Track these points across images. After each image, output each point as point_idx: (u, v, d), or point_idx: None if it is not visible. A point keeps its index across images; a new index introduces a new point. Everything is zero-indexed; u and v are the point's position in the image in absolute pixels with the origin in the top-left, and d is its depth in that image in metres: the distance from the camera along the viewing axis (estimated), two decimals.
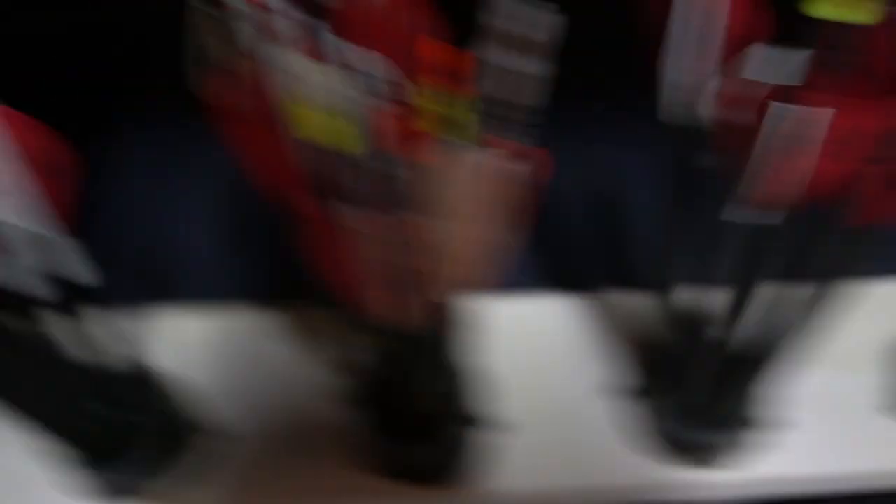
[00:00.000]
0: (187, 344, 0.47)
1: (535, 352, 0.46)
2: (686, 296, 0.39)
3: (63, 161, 0.26)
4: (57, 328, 0.32)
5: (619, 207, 0.55)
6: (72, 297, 0.30)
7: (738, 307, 0.33)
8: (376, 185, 0.28)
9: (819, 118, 0.25)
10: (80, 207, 0.28)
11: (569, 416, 0.44)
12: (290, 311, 0.49)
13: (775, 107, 0.25)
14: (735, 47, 0.27)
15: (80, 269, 0.30)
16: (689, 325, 0.40)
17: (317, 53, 0.25)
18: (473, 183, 0.26)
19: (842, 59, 0.25)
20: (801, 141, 0.26)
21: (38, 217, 0.27)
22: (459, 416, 0.40)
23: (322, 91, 0.24)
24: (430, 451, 0.40)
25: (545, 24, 0.24)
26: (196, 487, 0.42)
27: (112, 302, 0.34)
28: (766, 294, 0.33)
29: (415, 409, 0.38)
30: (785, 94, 0.26)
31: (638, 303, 0.48)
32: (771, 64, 0.26)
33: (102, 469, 0.39)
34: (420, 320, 0.33)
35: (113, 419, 0.39)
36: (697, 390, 0.38)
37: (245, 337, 0.48)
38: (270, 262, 0.52)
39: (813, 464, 0.42)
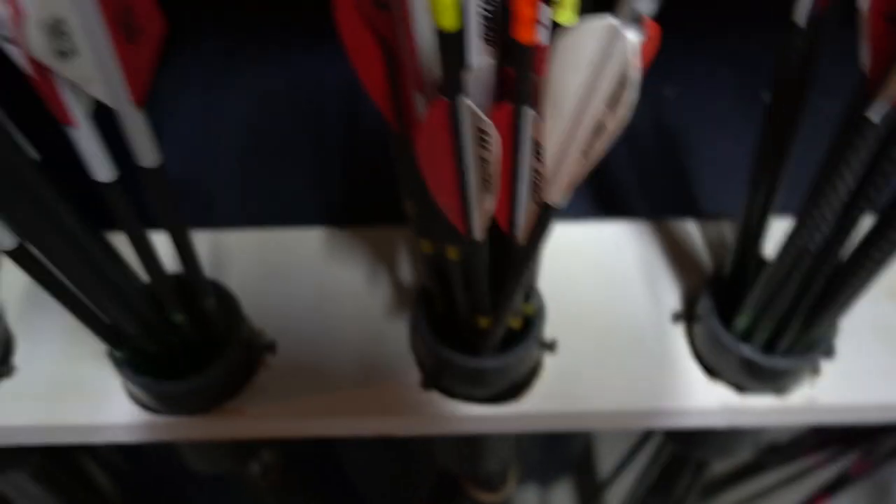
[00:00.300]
0: (245, 263, 0.45)
1: (592, 275, 0.45)
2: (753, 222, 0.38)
3: (152, 26, 0.23)
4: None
5: (682, 134, 0.53)
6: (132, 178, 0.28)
7: (841, 230, 0.31)
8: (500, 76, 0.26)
9: None
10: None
11: (625, 339, 0.43)
12: (349, 232, 0.47)
13: None
14: None
15: (148, 147, 0.27)
16: (755, 251, 0.39)
17: None
18: (585, 69, 0.24)
19: None
20: None
21: (112, 81, 0.24)
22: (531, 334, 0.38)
23: None
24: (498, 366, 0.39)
25: None
26: (258, 404, 0.40)
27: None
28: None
29: (481, 322, 0.37)
30: None
31: (699, 229, 0.47)
32: None
33: (170, 383, 0.38)
34: (518, 229, 0.31)
35: (183, 332, 0.37)
36: (772, 316, 0.37)
37: (303, 257, 0.46)
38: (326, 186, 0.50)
39: (878, 392, 0.41)
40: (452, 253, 0.35)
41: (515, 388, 0.41)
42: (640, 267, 0.46)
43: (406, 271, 0.46)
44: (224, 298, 0.40)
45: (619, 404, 0.41)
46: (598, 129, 0.24)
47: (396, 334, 0.43)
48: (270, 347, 0.42)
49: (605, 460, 0.70)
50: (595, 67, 0.23)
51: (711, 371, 0.41)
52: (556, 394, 0.41)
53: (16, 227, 0.28)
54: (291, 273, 0.45)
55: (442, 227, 0.34)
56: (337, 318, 0.44)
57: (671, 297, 0.44)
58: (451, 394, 0.41)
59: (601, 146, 0.24)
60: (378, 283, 0.45)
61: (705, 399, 0.41)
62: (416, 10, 0.25)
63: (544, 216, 0.28)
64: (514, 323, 0.39)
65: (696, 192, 0.51)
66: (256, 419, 0.40)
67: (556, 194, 0.27)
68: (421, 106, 0.28)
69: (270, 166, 0.52)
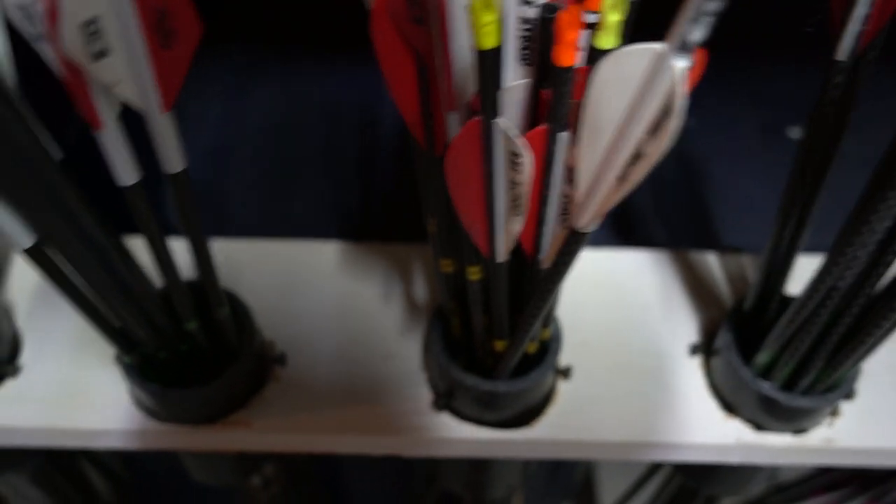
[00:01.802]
0: (258, 273, 0.45)
1: (609, 303, 0.44)
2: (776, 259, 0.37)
3: (188, 31, 0.22)
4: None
5: (702, 166, 0.53)
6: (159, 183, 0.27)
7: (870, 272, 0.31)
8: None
9: None
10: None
11: (640, 369, 0.42)
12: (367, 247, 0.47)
13: None
14: None
15: (174, 152, 0.27)
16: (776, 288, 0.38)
17: None
18: (628, 94, 0.23)
19: None
20: None
21: (144, 84, 0.23)
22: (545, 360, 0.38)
23: None
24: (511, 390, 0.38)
25: None
26: (265, 417, 0.40)
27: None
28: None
29: (496, 345, 0.36)
30: None
31: (719, 262, 0.46)
32: None
33: (178, 391, 0.37)
34: (543, 254, 0.30)
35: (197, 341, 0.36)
36: (794, 354, 0.36)
37: (316, 271, 0.45)
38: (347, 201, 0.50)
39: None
40: (473, 274, 0.34)
41: (528, 414, 0.40)
42: (658, 297, 0.45)
43: (419, 289, 0.45)
44: (237, 308, 0.39)
45: (632, 436, 0.40)
46: (638, 156, 0.23)
47: (408, 353, 0.42)
48: (281, 360, 0.41)
49: (610, 490, 0.69)
50: (639, 93, 0.23)
51: (728, 406, 0.41)
52: (570, 422, 0.40)
53: (35, 226, 0.28)
54: (304, 286, 0.44)
55: (464, 247, 0.33)
56: (349, 334, 0.43)
57: (688, 328, 0.44)
58: (463, 416, 0.40)
59: (639, 173, 0.23)
60: (391, 299, 0.44)
61: (721, 434, 0.40)
62: (455, 27, 0.24)
63: (572, 242, 0.28)
64: (530, 347, 0.38)
65: (714, 225, 0.50)
66: (263, 433, 0.40)
67: (587, 220, 0.27)
68: (452, 124, 0.28)
69: (287, 178, 0.52)
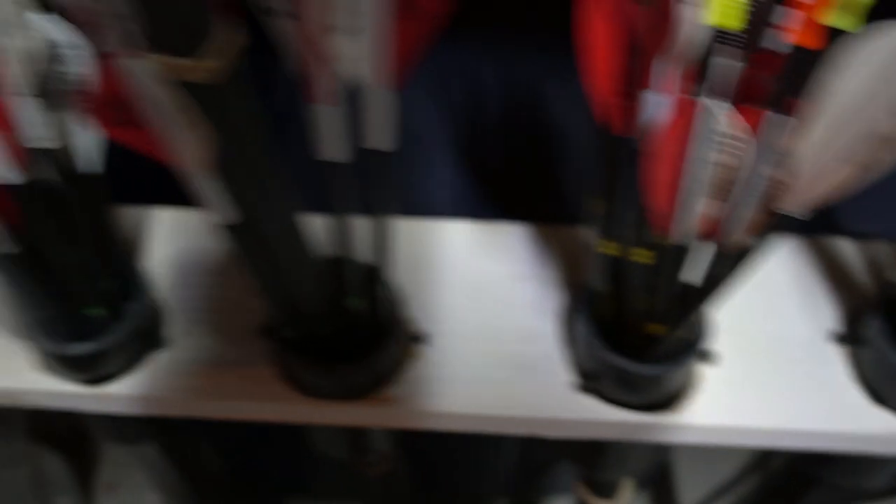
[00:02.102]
0: (398, 252, 0.45)
1: (747, 289, 0.44)
2: None
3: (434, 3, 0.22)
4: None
5: None
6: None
7: None
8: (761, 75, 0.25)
9: None
10: None
11: (782, 357, 0.41)
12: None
13: None
14: None
15: (389, 130, 0.27)
16: None
17: None
18: (867, 76, 0.23)
19: None
20: None
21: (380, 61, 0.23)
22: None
23: None
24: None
25: None
26: (410, 394, 0.40)
27: None
28: None
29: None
30: None
31: (854, 249, 0.45)
32: None
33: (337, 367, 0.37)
34: (729, 238, 0.30)
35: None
36: None
37: (454, 249, 0.45)
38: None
39: None
40: (641, 256, 0.34)
41: (672, 398, 0.40)
42: (794, 283, 0.44)
43: (551, 270, 0.45)
44: (389, 286, 0.40)
45: (779, 422, 0.40)
46: (884, 140, 0.23)
47: (546, 333, 0.42)
48: (423, 338, 0.42)
49: (689, 483, 0.68)
50: (883, 76, 0.22)
51: (878, 396, 0.40)
52: (715, 407, 0.40)
53: (241, 202, 0.28)
54: (443, 264, 0.45)
55: (636, 229, 0.33)
56: (486, 313, 0.43)
57: (827, 316, 0.43)
58: (606, 398, 0.40)
59: (887, 158, 0.23)
60: (525, 279, 0.44)
61: (869, 425, 0.40)
62: (687, 6, 0.24)
63: (776, 226, 0.28)
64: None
65: (846, 211, 0.49)
66: (408, 410, 0.40)
67: (800, 204, 0.26)
68: (654, 106, 0.28)
69: (426, 157, 0.51)
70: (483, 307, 0.43)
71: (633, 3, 0.25)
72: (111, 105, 0.23)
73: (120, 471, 0.70)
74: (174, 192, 0.45)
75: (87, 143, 0.32)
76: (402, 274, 0.44)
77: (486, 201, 0.48)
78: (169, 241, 0.46)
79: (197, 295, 0.43)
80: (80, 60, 0.29)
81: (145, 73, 0.22)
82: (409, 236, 0.46)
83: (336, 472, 0.60)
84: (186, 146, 0.24)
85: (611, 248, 0.35)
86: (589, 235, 0.45)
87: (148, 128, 0.24)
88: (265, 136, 0.26)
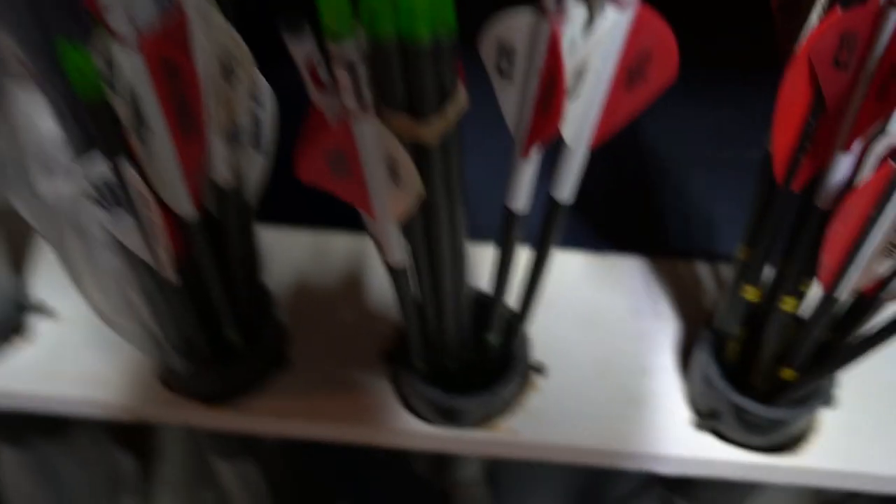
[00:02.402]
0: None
1: None
2: None
3: (659, 74, 0.22)
4: None
5: None
6: None
7: None
8: None
9: None
10: None
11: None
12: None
13: None
14: None
15: (572, 184, 0.27)
16: None
17: None
18: None
19: None
20: None
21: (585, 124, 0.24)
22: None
23: None
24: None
25: None
26: (529, 425, 0.41)
27: None
28: None
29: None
30: None
31: None
32: None
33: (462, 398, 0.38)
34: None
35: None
36: None
37: (567, 281, 0.46)
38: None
39: None
40: (789, 304, 0.34)
41: (792, 441, 0.40)
42: None
43: (664, 305, 0.45)
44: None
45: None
46: None
47: (664, 368, 0.43)
48: (540, 369, 0.42)
49: None
50: None
51: None
52: (834, 451, 0.40)
53: (419, 246, 0.28)
54: (556, 295, 0.45)
55: (791, 278, 0.33)
56: (602, 347, 0.43)
57: None
58: (722, 436, 0.41)
59: None
60: (642, 313, 0.44)
61: None
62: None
63: None
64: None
65: None
66: (529, 441, 0.40)
67: None
68: (841, 166, 0.28)
69: (539, 185, 0.52)
70: (598, 340, 0.44)
71: (833, 68, 0.25)
72: (322, 155, 0.23)
73: (177, 469, 0.71)
74: (290, 211, 0.45)
75: (255, 178, 0.32)
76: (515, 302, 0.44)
77: (598, 232, 0.48)
78: (287, 260, 0.46)
79: (316, 316, 0.44)
80: (272, 104, 0.29)
81: (373, 131, 0.22)
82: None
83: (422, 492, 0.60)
84: (391, 199, 0.25)
85: (752, 294, 0.36)
86: (721, 275, 0.46)
87: (350, 177, 0.24)
88: (462, 189, 0.26)
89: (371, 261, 0.46)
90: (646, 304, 0.45)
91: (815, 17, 0.25)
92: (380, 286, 0.46)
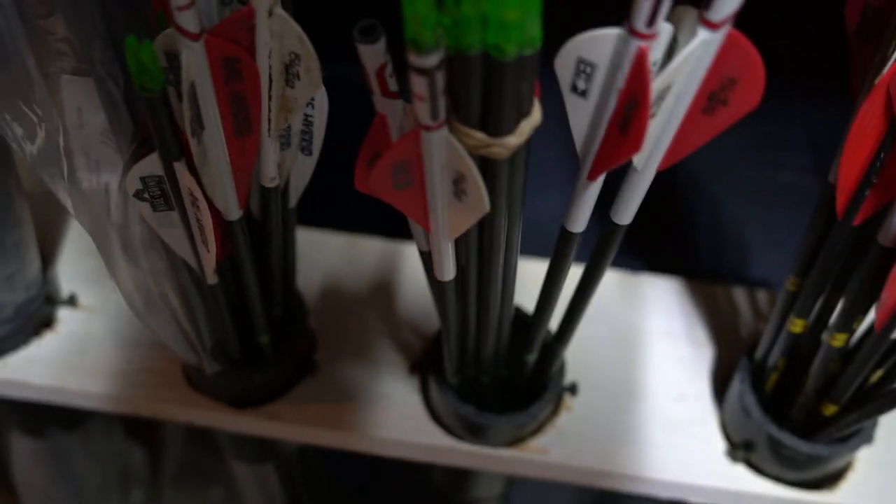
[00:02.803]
0: None
1: None
2: None
3: (742, 101, 0.22)
4: None
5: None
6: None
7: None
8: None
9: None
10: None
11: None
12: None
13: None
14: None
15: (633, 208, 0.26)
16: None
17: None
18: None
19: None
20: None
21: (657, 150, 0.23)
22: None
23: None
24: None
25: None
26: (561, 446, 0.40)
27: None
28: None
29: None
30: None
31: None
32: None
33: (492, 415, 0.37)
34: None
35: None
36: None
37: (601, 298, 0.44)
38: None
39: None
40: (838, 340, 0.33)
41: (828, 477, 0.39)
42: None
43: (699, 328, 0.44)
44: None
45: None
46: None
47: (698, 394, 0.42)
48: (572, 389, 0.41)
49: None
50: None
51: None
52: (869, 488, 0.39)
53: (470, 262, 0.27)
54: (592, 313, 0.44)
55: (846, 314, 0.32)
56: (636, 369, 0.42)
57: None
58: (756, 469, 0.40)
59: None
60: (678, 336, 0.44)
61: None
62: None
63: None
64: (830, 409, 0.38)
65: None
66: (560, 462, 0.39)
67: None
68: None
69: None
70: (632, 362, 0.43)
71: None
72: (391, 165, 0.23)
73: (185, 466, 0.70)
74: (324, 213, 0.44)
75: (300, 181, 0.32)
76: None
77: (632, 252, 0.48)
78: (318, 264, 0.46)
79: (345, 323, 0.43)
80: (325, 106, 0.29)
81: (443, 145, 0.22)
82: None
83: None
84: (452, 215, 0.24)
85: (799, 326, 0.35)
86: (757, 302, 0.45)
87: (411, 190, 0.24)
88: (523, 206, 0.26)
89: (403, 268, 0.46)
90: (681, 328, 0.44)
91: None
92: (412, 294, 0.45)
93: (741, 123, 0.56)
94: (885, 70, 0.24)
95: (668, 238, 0.50)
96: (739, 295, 0.46)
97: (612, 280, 0.46)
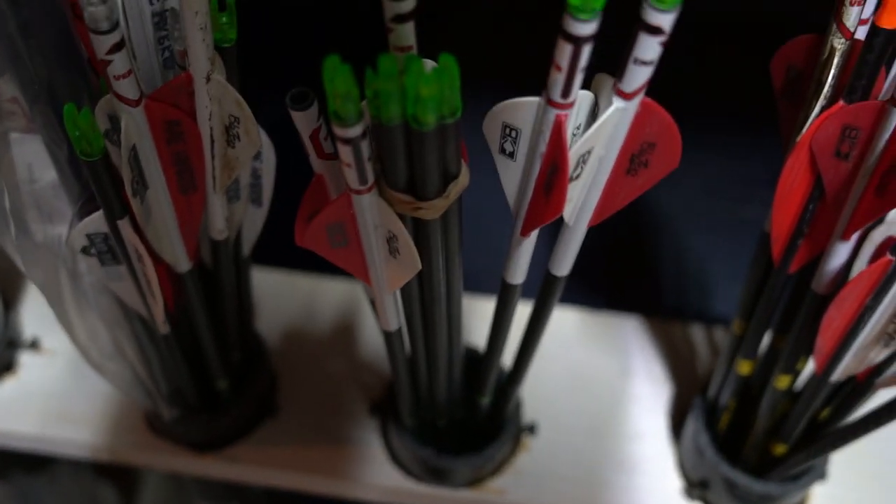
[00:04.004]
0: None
1: None
2: None
3: (662, 163, 0.22)
4: None
5: None
6: None
7: None
8: None
9: None
10: None
11: (885, 476, 0.41)
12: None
13: None
14: None
15: (572, 257, 0.27)
16: None
17: None
18: None
19: None
20: None
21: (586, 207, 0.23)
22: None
23: None
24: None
25: None
26: (519, 487, 0.40)
27: None
28: None
29: None
30: None
31: None
32: None
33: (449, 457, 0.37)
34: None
35: None
36: None
37: (557, 336, 0.45)
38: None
39: None
40: (783, 382, 0.34)
41: None
42: None
43: (657, 366, 0.45)
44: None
45: None
46: None
47: (656, 433, 0.42)
48: (531, 429, 0.42)
49: None
50: None
51: None
52: None
53: (414, 313, 0.28)
54: (549, 352, 0.44)
55: (786, 357, 0.33)
56: (594, 407, 0.43)
57: None
58: None
59: None
60: (636, 374, 0.44)
61: None
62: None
63: None
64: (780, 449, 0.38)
65: None
66: (517, 503, 0.40)
67: None
68: (838, 253, 0.28)
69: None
70: (590, 400, 0.43)
71: (835, 158, 0.26)
72: (323, 232, 0.23)
73: (160, 497, 0.70)
74: (283, 254, 0.44)
75: (252, 230, 0.32)
76: (507, 358, 0.44)
77: (592, 289, 0.48)
78: (278, 305, 0.46)
79: (306, 364, 0.44)
80: (272, 157, 0.29)
81: (374, 208, 0.22)
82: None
83: None
84: (389, 271, 0.25)
85: (746, 368, 0.35)
86: (714, 339, 0.45)
87: (349, 248, 0.24)
88: (460, 259, 0.26)
89: (365, 309, 0.46)
90: (640, 366, 0.45)
91: (817, 107, 0.25)
92: (371, 336, 0.45)
93: (704, 158, 0.56)
94: (806, 128, 0.25)
95: (631, 274, 0.51)
96: (697, 333, 0.46)
97: (571, 318, 0.46)
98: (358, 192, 0.22)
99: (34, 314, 0.45)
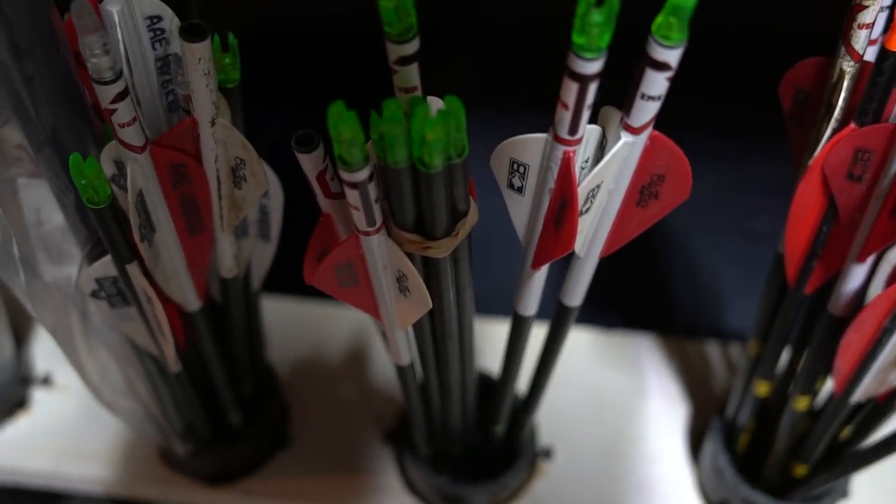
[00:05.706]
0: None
1: None
2: None
3: (671, 197, 0.22)
4: None
5: None
6: None
7: None
8: None
9: None
10: None
11: None
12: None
13: None
14: None
15: (582, 291, 0.27)
16: None
17: None
18: None
19: None
20: None
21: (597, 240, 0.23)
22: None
23: None
24: None
25: None
26: None
27: None
28: None
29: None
30: None
31: None
32: None
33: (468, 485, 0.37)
34: None
35: None
36: None
37: (573, 358, 0.45)
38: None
39: None
40: (802, 403, 0.33)
41: None
42: None
43: (673, 385, 0.44)
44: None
45: None
46: None
47: (673, 455, 0.42)
48: (547, 454, 0.41)
49: None
50: None
51: None
52: None
53: (427, 347, 0.28)
54: (564, 374, 0.44)
55: (806, 378, 0.33)
56: (610, 429, 0.43)
57: None
58: None
59: None
60: (652, 394, 0.44)
61: None
62: None
63: None
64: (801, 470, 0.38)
65: None
66: None
67: None
68: (854, 275, 0.27)
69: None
70: (606, 421, 0.43)
71: (847, 180, 0.25)
72: (334, 266, 0.23)
73: None
74: (294, 282, 0.44)
75: (261, 266, 0.32)
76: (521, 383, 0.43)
77: (604, 308, 0.48)
78: (289, 333, 0.46)
79: (318, 393, 0.43)
80: (279, 193, 0.29)
81: (383, 248, 0.22)
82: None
83: None
84: (400, 309, 0.24)
85: (763, 389, 0.35)
86: (730, 356, 0.45)
87: (359, 287, 0.24)
88: (471, 293, 0.26)
89: (376, 337, 0.46)
90: (655, 385, 0.44)
91: (829, 129, 0.25)
92: (383, 363, 0.45)
93: (714, 170, 0.56)
94: (818, 151, 0.25)
95: (642, 291, 0.50)
96: (713, 349, 0.46)
97: (584, 339, 0.46)
98: (366, 234, 0.22)
99: (46, 349, 0.45)
